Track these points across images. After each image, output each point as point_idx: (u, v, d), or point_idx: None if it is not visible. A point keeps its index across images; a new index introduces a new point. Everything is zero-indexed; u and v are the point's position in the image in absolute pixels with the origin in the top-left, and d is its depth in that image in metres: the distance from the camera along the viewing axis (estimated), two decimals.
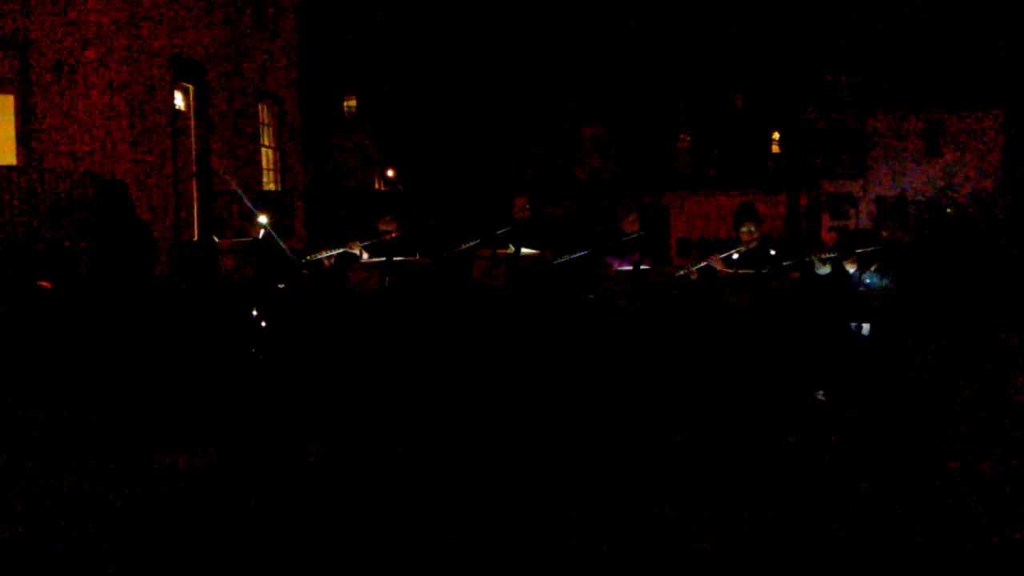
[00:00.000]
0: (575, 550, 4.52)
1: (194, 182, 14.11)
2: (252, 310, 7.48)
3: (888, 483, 5.57)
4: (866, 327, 6.32)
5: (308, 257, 7.54)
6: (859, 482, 5.55)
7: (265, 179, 16.59)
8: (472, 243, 7.29)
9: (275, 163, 17.01)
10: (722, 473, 5.71)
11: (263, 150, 16.54)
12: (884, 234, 6.60)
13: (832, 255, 6.47)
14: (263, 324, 7.54)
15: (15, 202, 10.76)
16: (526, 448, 6.24)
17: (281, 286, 7.44)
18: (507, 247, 7.26)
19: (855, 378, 6.36)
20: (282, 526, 4.84)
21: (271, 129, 16.88)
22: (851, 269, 6.54)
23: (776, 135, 33.61)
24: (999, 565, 4.39)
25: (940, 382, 8.71)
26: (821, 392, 6.84)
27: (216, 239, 7.75)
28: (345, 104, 32.06)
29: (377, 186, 31.94)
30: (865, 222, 31.63)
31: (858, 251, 6.46)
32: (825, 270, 6.46)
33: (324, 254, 7.38)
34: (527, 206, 7.59)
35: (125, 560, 4.40)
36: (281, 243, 7.87)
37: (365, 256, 7.32)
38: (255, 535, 4.72)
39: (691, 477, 5.63)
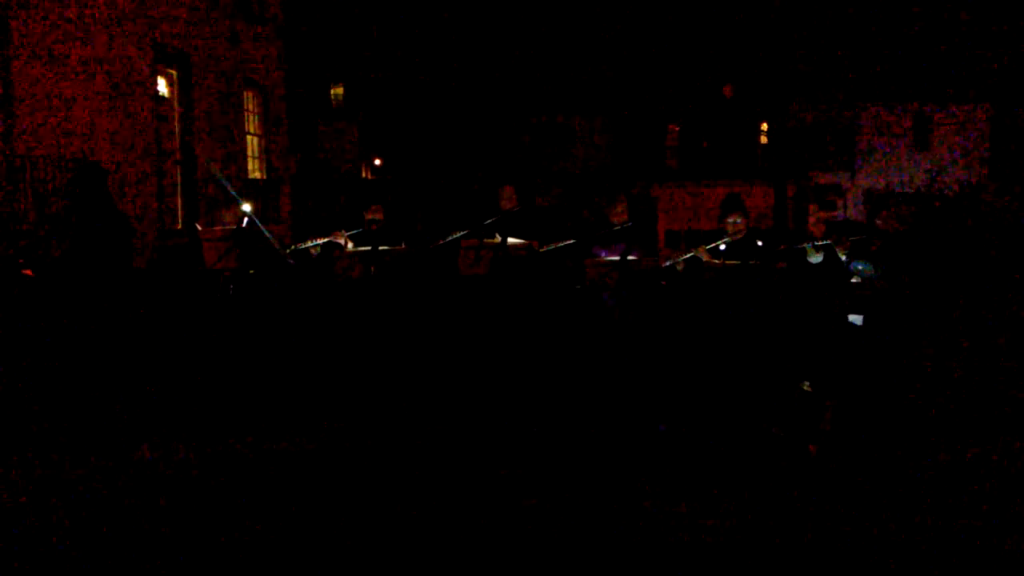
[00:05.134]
0: (562, 541, 4.48)
1: (178, 169, 13.98)
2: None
3: (876, 475, 5.54)
4: (858, 318, 6.27)
5: (294, 247, 7.50)
6: (843, 474, 5.52)
7: (251, 167, 16.47)
8: (459, 233, 7.24)
9: (261, 151, 16.88)
10: (706, 463, 5.69)
11: (249, 138, 16.41)
12: (879, 224, 6.55)
13: (826, 242, 6.42)
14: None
15: None
16: (513, 439, 6.20)
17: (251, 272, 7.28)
18: (494, 237, 7.21)
19: (846, 369, 6.32)
20: (270, 517, 4.77)
21: (257, 117, 16.73)
22: (843, 257, 6.48)
23: (764, 127, 33.60)
24: (988, 557, 4.36)
25: (932, 373, 8.70)
26: (806, 383, 6.80)
27: (199, 227, 7.65)
28: (332, 92, 31.85)
29: (364, 175, 31.82)
30: (853, 214, 31.70)
31: (852, 238, 6.41)
32: (817, 258, 6.42)
33: (310, 243, 7.34)
34: (514, 196, 7.54)
35: (114, 556, 4.33)
36: (265, 231, 7.78)
37: (350, 245, 7.28)
38: (243, 527, 4.65)
39: (675, 467, 5.60)
